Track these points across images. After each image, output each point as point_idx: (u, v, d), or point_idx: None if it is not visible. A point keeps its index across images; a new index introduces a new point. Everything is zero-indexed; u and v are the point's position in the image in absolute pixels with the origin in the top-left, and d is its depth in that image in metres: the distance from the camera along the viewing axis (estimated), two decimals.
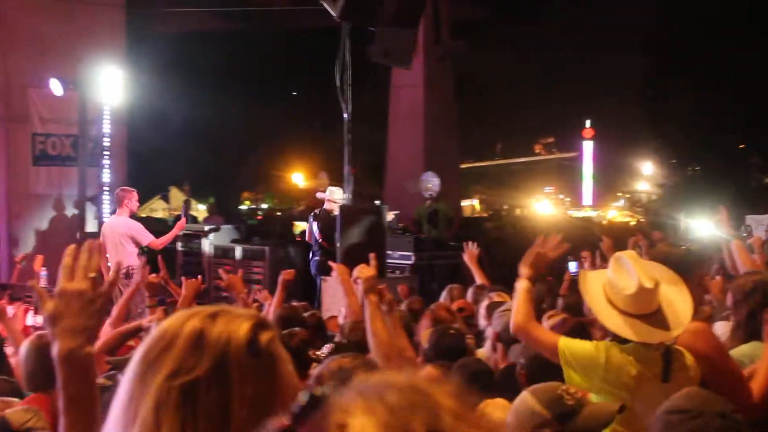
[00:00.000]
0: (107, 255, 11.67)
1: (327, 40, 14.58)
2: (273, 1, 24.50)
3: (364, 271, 4.60)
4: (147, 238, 12.05)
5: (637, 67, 37.22)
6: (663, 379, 3.98)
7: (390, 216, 15.90)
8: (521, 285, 4.64)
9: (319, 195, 14.57)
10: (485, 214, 36.54)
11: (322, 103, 21.61)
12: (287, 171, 42.20)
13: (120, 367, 4.81)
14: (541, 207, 38.64)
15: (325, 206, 13.98)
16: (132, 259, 11.52)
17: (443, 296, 8.52)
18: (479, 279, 8.59)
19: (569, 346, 4.18)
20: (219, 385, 1.72)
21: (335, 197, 13.72)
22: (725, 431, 2.82)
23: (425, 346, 5.52)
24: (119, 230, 11.79)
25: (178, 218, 14.87)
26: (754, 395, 4.16)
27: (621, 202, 48.42)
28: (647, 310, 4.06)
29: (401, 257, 14.69)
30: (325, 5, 11.16)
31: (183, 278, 6.75)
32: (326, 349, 5.01)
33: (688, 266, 4.81)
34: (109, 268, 11.60)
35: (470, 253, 8.90)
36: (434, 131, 20.60)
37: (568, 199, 46.63)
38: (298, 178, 41.24)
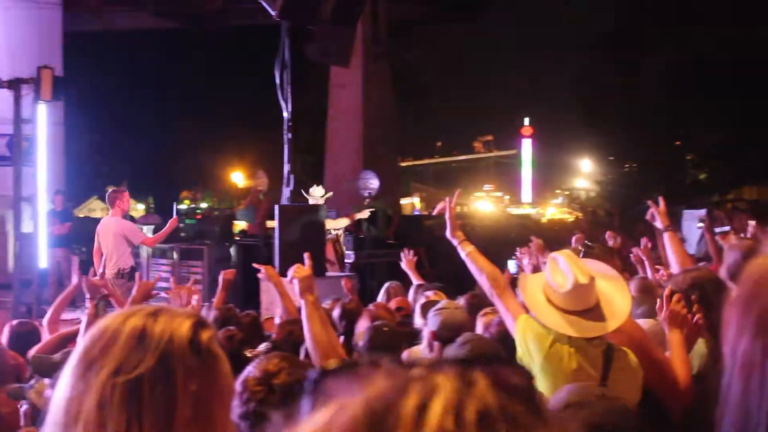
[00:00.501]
0: (102, 255, 11.63)
1: (267, 39, 14.55)
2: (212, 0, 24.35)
3: (300, 271, 4.55)
4: (140, 237, 12.01)
5: (574, 65, 37.63)
6: (602, 378, 3.96)
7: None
8: (467, 249, 4.70)
9: (311, 200, 14.69)
10: (426, 212, 36.60)
11: (261, 103, 21.48)
12: (226, 170, 42.04)
13: (38, 364, 4.76)
14: (481, 204, 38.84)
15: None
16: (126, 259, 11.56)
17: (381, 294, 8.53)
18: (417, 281, 8.60)
19: (525, 324, 4.18)
20: (163, 383, 1.72)
21: (316, 195, 14.09)
22: (612, 413, 2.83)
23: (360, 344, 5.52)
24: (113, 230, 11.69)
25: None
26: (679, 382, 4.21)
27: (560, 199, 48.91)
28: (585, 306, 4.06)
29: None
30: (264, 4, 11.16)
31: (138, 278, 6.65)
32: (263, 347, 5.00)
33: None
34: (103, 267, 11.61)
35: (408, 261, 8.88)
36: (373, 130, 20.58)
37: (507, 197, 46.98)
38: (237, 177, 41.09)
